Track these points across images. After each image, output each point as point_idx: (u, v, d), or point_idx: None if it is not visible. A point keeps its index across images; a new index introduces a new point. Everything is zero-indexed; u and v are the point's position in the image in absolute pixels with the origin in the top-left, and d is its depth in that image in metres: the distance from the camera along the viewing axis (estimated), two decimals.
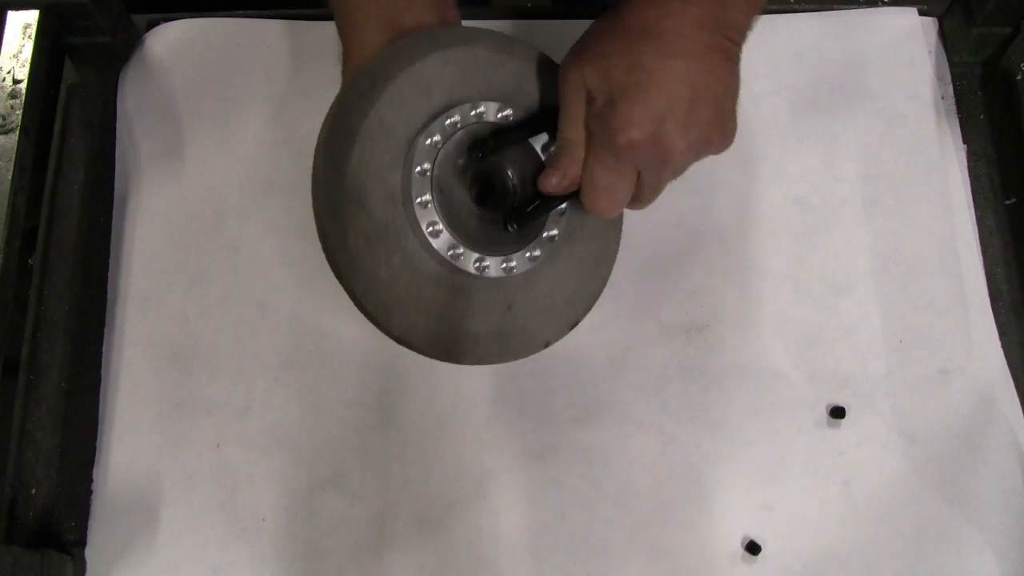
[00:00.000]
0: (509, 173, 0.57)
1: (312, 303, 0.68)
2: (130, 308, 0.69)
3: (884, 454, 0.65)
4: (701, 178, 0.72)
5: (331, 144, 0.55)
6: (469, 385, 0.66)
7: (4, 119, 0.66)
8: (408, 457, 0.65)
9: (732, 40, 0.53)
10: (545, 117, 0.58)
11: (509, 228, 0.57)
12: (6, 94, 0.67)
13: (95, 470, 0.65)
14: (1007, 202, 0.72)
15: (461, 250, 0.54)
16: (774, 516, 0.64)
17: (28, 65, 0.68)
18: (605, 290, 0.68)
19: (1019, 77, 0.73)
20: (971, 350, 0.67)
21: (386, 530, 0.63)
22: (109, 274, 0.70)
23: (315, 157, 0.56)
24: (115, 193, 0.72)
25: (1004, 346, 0.68)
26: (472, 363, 0.58)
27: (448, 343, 0.56)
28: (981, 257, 0.70)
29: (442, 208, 0.54)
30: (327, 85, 0.61)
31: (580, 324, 0.66)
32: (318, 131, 0.58)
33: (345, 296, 0.57)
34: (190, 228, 0.71)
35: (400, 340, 0.56)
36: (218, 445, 0.65)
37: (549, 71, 0.59)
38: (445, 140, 0.54)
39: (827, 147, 0.73)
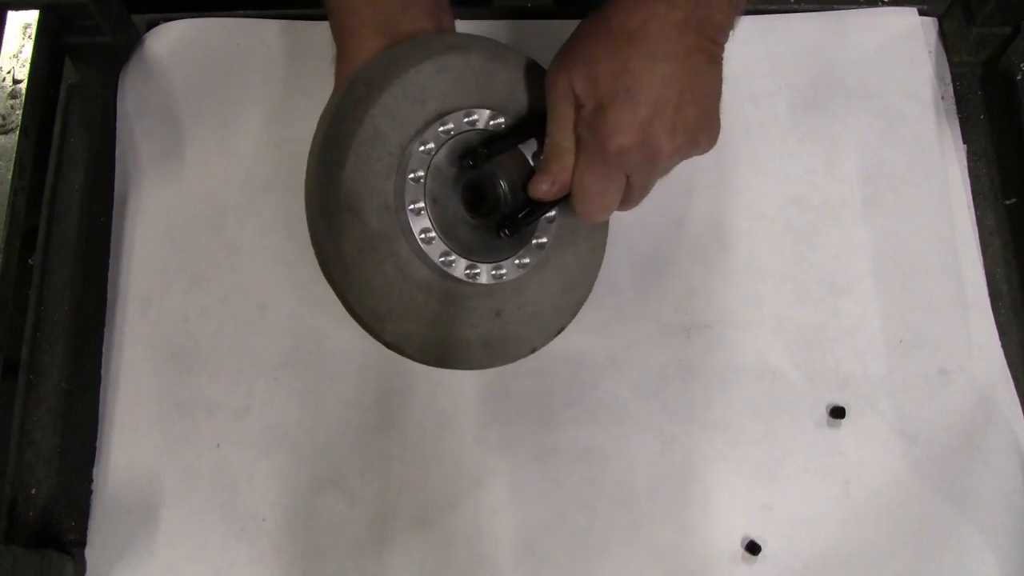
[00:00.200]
0: (500, 181, 0.57)
1: (312, 303, 0.68)
2: (130, 308, 0.69)
3: (884, 454, 0.65)
4: (701, 178, 0.72)
5: (325, 152, 0.55)
6: (469, 385, 0.66)
7: (4, 119, 0.66)
8: (408, 457, 0.65)
9: (715, 41, 0.54)
10: (534, 123, 0.58)
11: (502, 235, 0.57)
12: (6, 94, 0.67)
13: (95, 470, 0.65)
14: (1007, 202, 0.72)
15: (453, 257, 0.55)
16: (774, 516, 0.64)
17: (28, 65, 0.68)
18: (605, 290, 0.68)
19: (1019, 77, 0.73)
20: (971, 350, 0.67)
21: (386, 530, 0.63)
22: (109, 274, 0.70)
23: (308, 164, 0.56)
24: (115, 193, 0.72)
25: (1004, 346, 0.68)
26: (461, 368, 0.58)
27: (439, 350, 0.56)
28: (981, 257, 0.70)
29: (435, 215, 0.54)
30: (327, 85, 0.61)
31: (580, 324, 0.66)
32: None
33: None
34: (190, 228, 0.71)
35: (392, 347, 0.56)
36: (218, 445, 0.65)
37: (541, 79, 0.59)
38: (438, 147, 0.55)
39: (827, 147, 0.73)
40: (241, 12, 0.77)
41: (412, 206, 0.54)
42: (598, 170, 0.55)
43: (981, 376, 0.67)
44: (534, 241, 0.57)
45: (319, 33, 0.75)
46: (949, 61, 0.76)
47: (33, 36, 0.69)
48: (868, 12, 0.77)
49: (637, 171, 0.55)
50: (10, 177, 0.64)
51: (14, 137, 0.65)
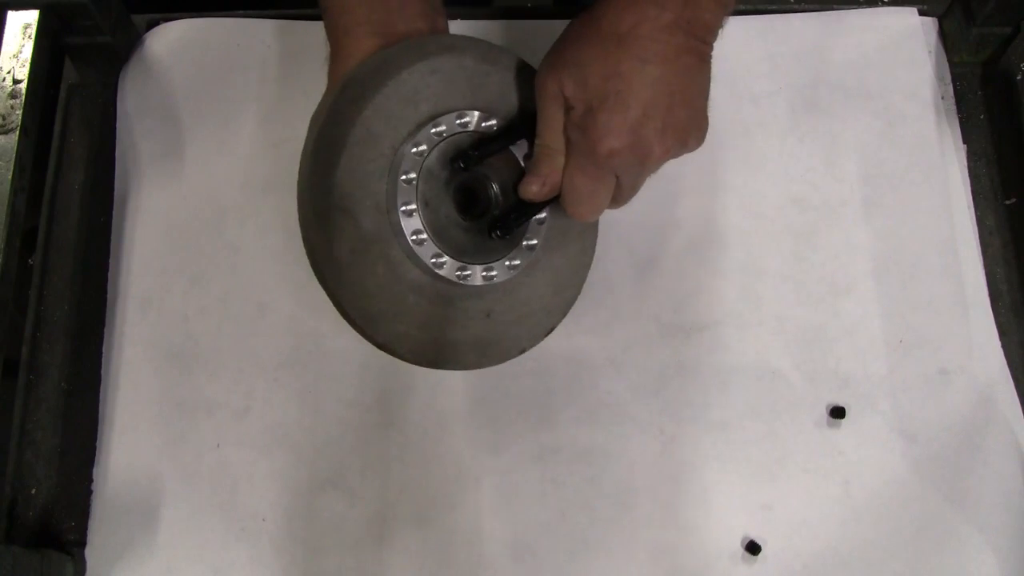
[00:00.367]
0: (491, 183, 0.58)
1: (312, 303, 0.68)
2: (130, 308, 0.69)
3: (884, 454, 0.65)
4: (701, 178, 0.72)
5: (318, 152, 0.55)
6: (469, 386, 0.66)
7: (4, 119, 0.66)
8: (408, 457, 0.65)
9: (704, 41, 0.54)
10: (524, 125, 0.58)
11: (493, 236, 0.57)
12: (6, 94, 0.67)
13: (95, 470, 0.65)
14: (1007, 202, 0.72)
15: (444, 258, 0.55)
16: (774, 516, 0.64)
17: (28, 65, 0.68)
18: (605, 290, 0.68)
19: (1019, 77, 0.73)
20: (971, 350, 0.67)
21: (386, 530, 0.63)
22: (109, 274, 0.70)
23: (301, 165, 0.57)
24: (115, 193, 0.72)
25: (1004, 346, 0.68)
26: (452, 369, 0.59)
27: (431, 350, 0.57)
28: (981, 257, 0.70)
29: (426, 217, 0.54)
30: (327, 85, 0.61)
31: (580, 324, 0.66)
32: None
33: None
34: (190, 228, 0.71)
35: (384, 348, 0.56)
36: (218, 445, 0.65)
37: (533, 81, 0.59)
38: (431, 149, 0.55)
39: (827, 147, 0.73)
40: (241, 12, 0.77)
41: (404, 207, 0.54)
42: (588, 172, 0.55)
43: (981, 376, 0.67)
44: (525, 243, 0.57)
45: (319, 33, 0.74)
46: (949, 61, 0.76)
47: (33, 36, 0.69)
48: (868, 12, 0.77)
49: (627, 172, 0.56)
50: (10, 177, 0.64)
51: (14, 137, 0.65)
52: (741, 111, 0.74)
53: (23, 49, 0.69)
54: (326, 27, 0.61)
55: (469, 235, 0.56)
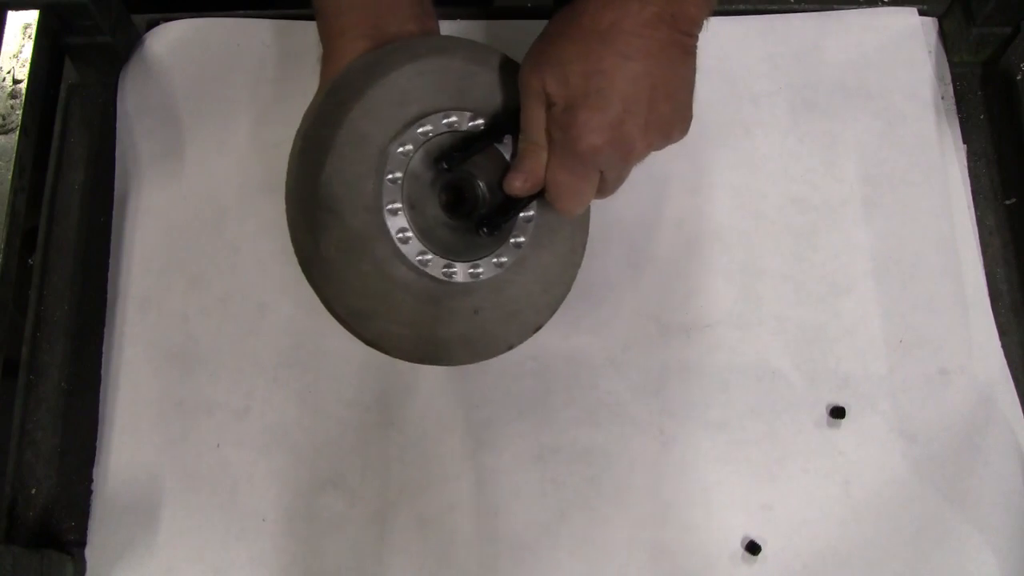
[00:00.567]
0: (478, 181, 0.58)
1: (312, 303, 0.67)
2: (130, 308, 0.69)
3: (884, 454, 0.65)
4: (701, 178, 0.72)
5: (306, 154, 0.56)
6: (469, 385, 0.66)
7: (4, 119, 0.66)
8: (408, 457, 0.65)
9: (689, 34, 0.54)
10: (509, 122, 0.58)
11: (481, 233, 0.57)
12: (6, 94, 0.67)
13: (95, 470, 0.65)
14: (1007, 202, 0.72)
15: (430, 256, 0.55)
16: (774, 516, 0.64)
17: (28, 65, 0.68)
18: (605, 290, 0.68)
19: (1019, 77, 0.73)
20: (971, 350, 0.67)
21: (386, 530, 0.63)
22: (109, 274, 0.70)
23: (289, 164, 0.57)
24: (115, 193, 0.72)
25: (1004, 346, 0.68)
26: (440, 364, 0.59)
27: (419, 347, 0.57)
28: (981, 257, 0.70)
29: (411, 215, 0.55)
30: (319, 87, 0.61)
31: (580, 324, 0.66)
32: None
33: None
34: (190, 228, 0.71)
35: (372, 344, 0.57)
36: (218, 445, 0.65)
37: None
38: (417, 148, 0.55)
39: (827, 147, 0.73)
40: (241, 12, 0.77)
41: (390, 206, 0.55)
42: (570, 168, 0.55)
43: (981, 376, 0.67)
44: (512, 240, 0.58)
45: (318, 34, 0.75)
46: (949, 61, 0.76)
47: (33, 36, 0.69)
48: (868, 12, 0.77)
49: (610, 167, 0.56)
50: (10, 177, 0.64)
51: (14, 137, 0.65)
52: (741, 111, 0.74)
53: (23, 49, 0.69)
54: (319, 30, 0.61)
55: (456, 233, 0.57)
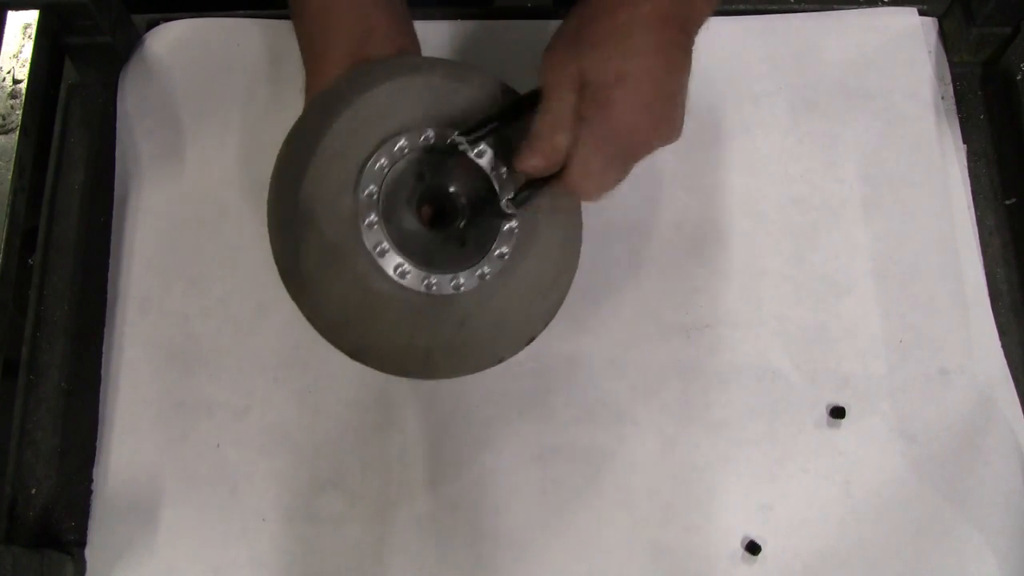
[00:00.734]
0: (456, 193, 0.58)
1: None
2: (130, 308, 0.69)
3: (884, 454, 0.65)
4: (701, 178, 0.72)
5: (285, 171, 0.57)
6: (469, 385, 0.66)
7: (4, 119, 0.66)
8: (408, 457, 0.65)
9: (691, 35, 0.56)
10: (520, 103, 0.58)
11: (506, 209, 0.57)
12: (6, 94, 0.67)
13: (95, 470, 0.65)
14: (1007, 202, 0.72)
15: (409, 269, 0.56)
16: (774, 516, 0.64)
17: (28, 65, 0.68)
18: (605, 290, 0.68)
19: (1019, 77, 0.73)
20: (971, 350, 0.67)
21: (386, 530, 0.63)
22: (109, 274, 0.70)
23: (271, 182, 0.58)
24: (115, 193, 0.72)
25: (1004, 346, 0.68)
26: (425, 378, 0.59)
27: (399, 359, 0.57)
28: (981, 257, 0.70)
29: (389, 229, 0.56)
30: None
31: (580, 324, 0.66)
32: None
33: None
34: (190, 228, 0.71)
35: (355, 357, 0.57)
36: (218, 445, 0.65)
37: (503, 96, 0.60)
38: (392, 164, 0.56)
39: (827, 147, 0.73)
40: (241, 12, 0.77)
41: (367, 221, 0.55)
42: (603, 148, 0.55)
43: (981, 376, 0.67)
44: (495, 251, 0.58)
45: None
46: (949, 61, 0.76)
47: (33, 36, 0.69)
48: (868, 12, 0.77)
49: (630, 151, 0.56)
50: (10, 177, 0.64)
51: (14, 137, 0.65)
52: (741, 111, 0.74)
53: (23, 49, 0.69)
54: (301, 52, 0.62)
55: (435, 245, 0.57)
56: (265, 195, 0.70)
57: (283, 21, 0.76)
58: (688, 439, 0.65)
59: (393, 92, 0.57)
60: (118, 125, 0.74)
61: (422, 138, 0.57)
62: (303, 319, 0.67)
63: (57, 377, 0.67)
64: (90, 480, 0.65)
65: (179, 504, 0.64)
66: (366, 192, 0.55)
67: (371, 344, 0.57)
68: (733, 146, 0.73)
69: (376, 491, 0.64)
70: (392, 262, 0.55)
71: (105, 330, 0.68)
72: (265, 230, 0.70)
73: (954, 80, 0.76)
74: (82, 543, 0.63)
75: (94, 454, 0.65)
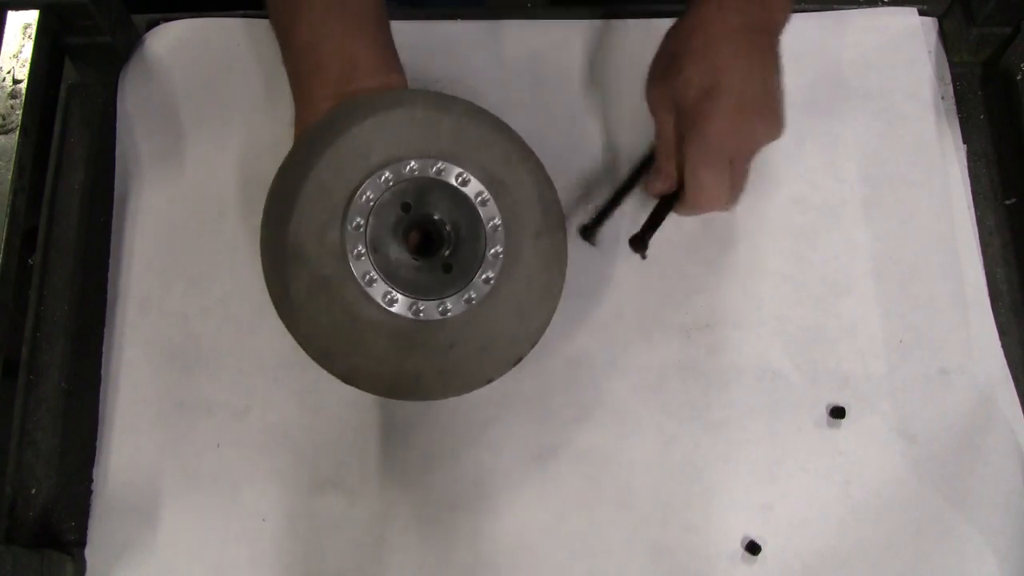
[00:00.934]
0: (441, 221, 0.60)
1: None
2: (130, 308, 0.69)
3: (884, 454, 0.65)
4: None
5: (274, 207, 0.59)
6: None
7: (4, 119, 0.66)
8: (408, 457, 0.65)
9: (775, 36, 0.62)
10: (637, 173, 0.68)
11: (634, 248, 0.66)
12: (6, 94, 0.67)
13: (95, 470, 0.65)
14: (1007, 202, 0.72)
15: (397, 297, 0.57)
16: (774, 516, 0.64)
17: (28, 65, 0.68)
18: (605, 290, 0.68)
19: (1019, 77, 0.73)
20: (971, 350, 0.67)
21: (386, 530, 0.63)
22: (109, 274, 0.70)
23: (262, 218, 0.60)
24: (115, 193, 0.72)
25: (1004, 346, 0.68)
26: (416, 399, 0.61)
27: (390, 383, 0.59)
28: (981, 257, 0.70)
29: (377, 258, 0.57)
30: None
31: (580, 324, 0.66)
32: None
33: None
34: (190, 228, 0.71)
35: (347, 381, 0.59)
36: (218, 445, 0.65)
37: (486, 123, 0.61)
38: (378, 196, 0.58)
39: (827, 147, 0.73)
40: (241, 12, 0.77)
41: (354, 252, 0.57)
42: (705, 159, 0.60)
43: (981, 376, 0.67)
44: (479, 276, 0.59)
45: None
46: (949, 61, 0.76)
47: (33, 36, 0.69)
48: (868, 12, 0.77)
49: (738, 154, 0.61)
50: (10, 177, 0.64)
51: (14, 137, 0.65)
52: None
53: (23, 49, 0.69)
54: (292, 91, 0.63)
55: (422, 273, 0.59)
56: (264, 195, 0.71)
57: None
58: (688, 439, 0.65)
59: (376, 126, 0.59)
60: (118, 125, 0.74)
61: (406, 169, 0.59)
62: None
63: (57, 377, 0.67)
64: (90, 480, 0.65)
65: (179, 504, 0.64)
66: (353, 224, 0.57)
67: (362, 370, 0.58)
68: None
69: (376, 491, 0.64)
70: (380, 290, 0.57)
71: (105, 330, 0.68)
72: None
73: (954, 80, 0.76)
74: (82, 543, 0.63)
75: (94, 454, 0.65)
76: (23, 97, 0.67)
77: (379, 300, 0.57)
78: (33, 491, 0.65)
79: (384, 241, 0.58)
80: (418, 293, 0.58)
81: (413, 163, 0.59)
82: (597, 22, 0.77)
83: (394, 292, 0.57)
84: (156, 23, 0.77)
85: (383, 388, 0.59)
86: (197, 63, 0.75)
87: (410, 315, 0.57)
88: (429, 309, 0.58)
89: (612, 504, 0.64)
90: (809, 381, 0.67)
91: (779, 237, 0.71)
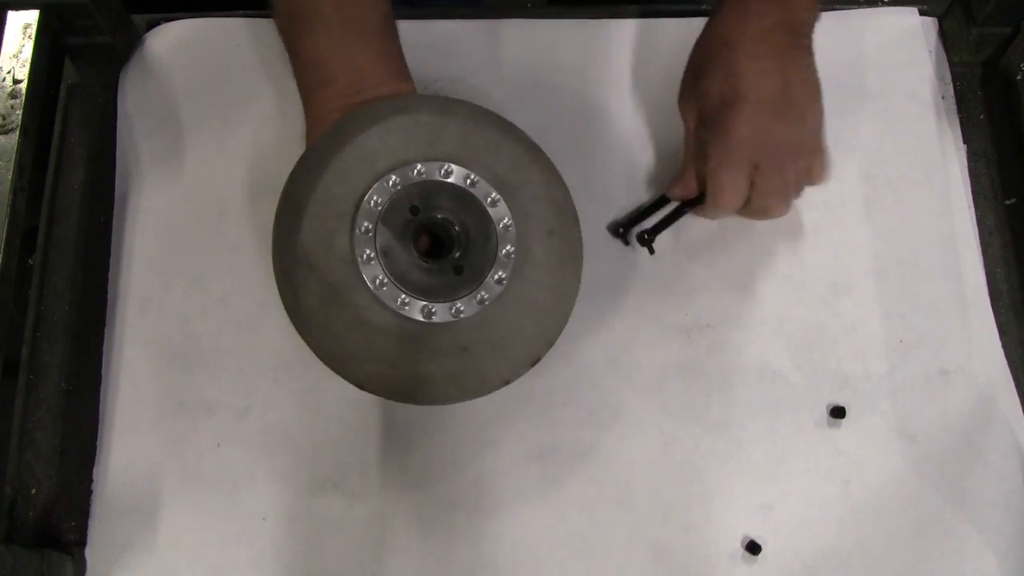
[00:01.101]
0: (452, 223, 0.60)
1: None
2: (130, 308, 0.69)
3: (884, 454, 0.65)
4: None
5: (284, 216, 0.60)
6: None
7: (4, 119, 0.66)
8: (408, 457, 0.65)
9: (804, 35, 0.62)
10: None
11: (638, 243, 0.69)
12: (6, 94, 0.67)
13: (95, 470, 0.65)
14: (1007, 202, 0.72)
15: (408, 300, 0.57)
16: (774, 516, 0.64)
17: (28, 65, 0.68)
18: (605, 290, 0.68)
19: (1019, 77, 0.73)
20: (971, 350, 0.67)
21: (386, 530, 0.63)
22: (109, 274, 0.70)
23: (273, 228, 0.60)
24: (115, 193, 0.72)
25: (1004, 346, 0.68)
26: (430, 403, 0.60)
27: (404, 387, 0.59)
28: (981, 257, 0.70)
29: (386, 262, 0.58)
30: None
31: (580, 324, 0.66)
32: None
33: None
34: (190, 228, 0.71)
35: (361, 387, 0.59)
36: (218, 445, 0.65)
37: (493, 124, 0.62)
38: (386, 200, 0.58)
39: (827, 147, 0.73)
40: (241, 12, 0.77)
41: (364, 257, 0.57)
42: (725, 162, 0.62)
43: (981, 376, 0.67)
44: (492, 277, 0.59)
45: None
46: (949, 61, 0.76)
47: (33, 36, 0.69)
48: (868, 12, 0.77)
49: (763, 159, 0.61)
50: (10, 177, 0.64)
51: (14, 137, 0.65)
52: None
53: (23, 49, 0.69)
54: (302, 102, 0.64)
55: (433, 276, 0.59)
56: (266, 195, 0.71)
57: None
58: (688, 439, 0.65)
59: (382, 133, 0.59)
60: (118, 125, 0.74)
61: (413, 173, 0.59)
62: None
63: (57, 377, 0.67)
64: (90, 480, 0.65)
65: (179, 504, 0.64)
66: (362, 229, 0.57)
67: (375, 375, 0.58)
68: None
69: (376, 491, 0.64)
70: (391, 294, 0.57)
71: (105, 330, 0.68)
72: (265, 229, 0.70)
73: (954, 80, 0.76)
74: (82, 543, 0.63)
75: (94, 454, 0.65)
76: (23, 97, 0.67)
77: (390, 304, 0.57)
78: (33, 491, 0.65)
79: (394, 245, 0.58)
80: (429, 296, 0.58)
81: (420, 166, 0.59)
82: (596, 22, 0.77)
83: (405, 296, 0.57)
84: (156, 23, 0.77)
85: (398, 393, 0.59)
86: (197, 63, 0.75)
87: (422, 318, 0.57)
88: (441, 311, 0.58)
89: (612, 504, 0.64)
90: (809, 381, 0.67)
91: (779, 237, 0.70)
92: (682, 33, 0.71)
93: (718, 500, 0.64)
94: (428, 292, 0.58)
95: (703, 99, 0.63)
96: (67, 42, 0.73)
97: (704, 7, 0.79)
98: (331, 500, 0.64)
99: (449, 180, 0.59)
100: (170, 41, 0.76)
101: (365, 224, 0.57)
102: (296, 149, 0.62)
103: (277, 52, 0.75)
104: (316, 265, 0.57)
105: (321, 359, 0.59)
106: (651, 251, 0.69)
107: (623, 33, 0.76)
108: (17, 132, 0.65)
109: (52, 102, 0.74)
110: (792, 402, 0.66)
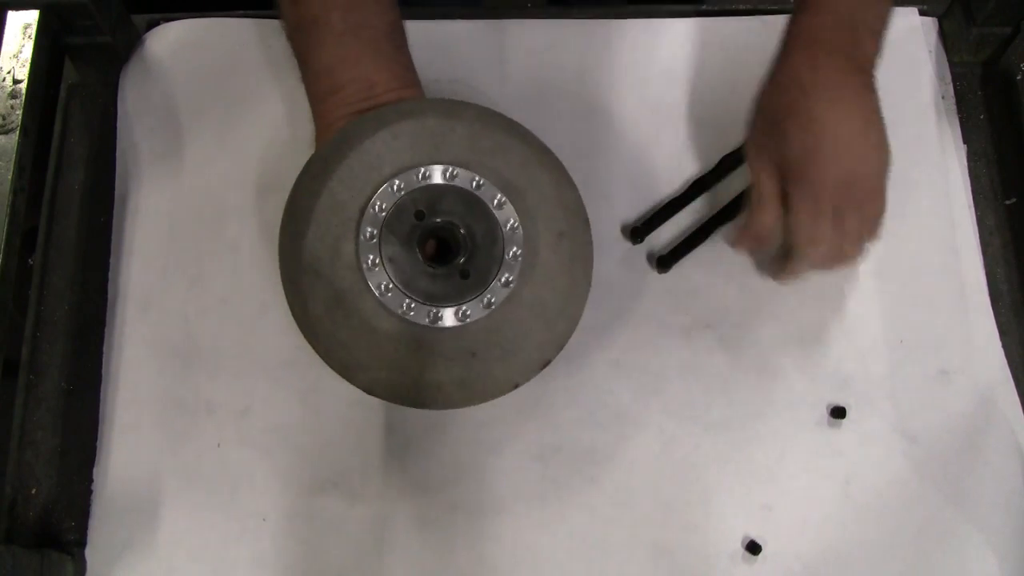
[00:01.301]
0: (458, 228, 0.60)
1: None
2: (130, 308, 0.69)
3: (884, 454, 0.65)
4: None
5: (290, 223, 0.60)
6: None
7: (4, 119, 0.66)
8: (408, 457, 0.65)
9: (870, 72, 0.61)
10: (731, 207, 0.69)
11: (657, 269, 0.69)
12: (6, 94, 0.67)
13: (95, 470, 0.65)
14: (1007, 202, 0.72)
15: (414, 305, 0.58)
16: (774, 516, 0.64)
17: (28, 65, 0.68)
18: (606, 290, 0.68)
19: (1019, 77, 0.73)
20: (971, 350, 0.67)
21: (386, 530, 0.63)
22: (109, 274, 0.70)
23: (279, 236, 0.60)
24: (115, 193, 0.72)
25: (1004, 346, 0.68)
26: (439, 408, 0.60)
27: (412, 393, 0.59)
28: (981, 257, 0.70)
29: (392, 268, 0.58)
30: None
31: (580, 324, 0.66)
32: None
33: None
34: (190, 228, 0.71)
35: (370, 393, 0.59)
36: (218, 445, 0.65)
37: (500, 127, 0.61)
38: (391, 205, 0.58)
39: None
40: (241, 12, 0.77)
41: (369, 263, 0.57)
42: (815, 211, 0.60)
43: (981, 376, 0.67)
44: (499, 280, 0.58)
45: None
46: (949, 61, 0.76)
47: (33, 36, 0.69)
48: None
49: (849, 205, 0.60)
50: (10, 177, 0.64)
51: (14, 137, 0.65)
52: (743, 111, 0.73)
53: (23, 49, 0.69)
54: (311, 110, 0.64)
55: (439, 280, 0.59)
56: (266, 195, 0.71)
57: None
58: (688, 439, 0.65)
59: (388, 138, 0.59)
60: (118, 125, 0.74)
61: (418, 177, 0.59)
62: None
63: (57, 377, 0.67)
64: (90, 480, 0.65)
65: (179, 504, 0.64)
66: (366, 235, 0.58)
67: (383, 382, 0.58)
68: (734, 146, 0.73)
69: (376, 491, 0.64)
70: (397, 300, 0.57)
71: (105, 330, 0.68)
72: (265, 229, 0.70)
73: (954, 80, 0.76)
74: (82, 543, 0.63)
75: (94, 454, 0.65)
76: (23, 97, 0.67)
77: (396, 310, 0.57)
78: (33, 491, 0.65)
79: (399, 251, 0.58)
80: (436, 301, 0.58)
81: (424, 171, 0.59)
82: (596, 22, 0.77)
83: (411, 301, 0.57)
84: (156, 23, 0.77)
85: (406, 399, 0.59)
86: (197, 63, 0.75)
87: (428, 323, 0.57)
88: (448, 316, 0.58)
89: (612, 504, 0.64)
90: (809, 381, 0.67)
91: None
92: (682, 33, 0.71)
93: (718, 500, 0.64)
94: (435, 297, 0.58)
95: (783, 150, 0.61)
96: (67, 42, 0.73)
97: (704, 7, 0.79)
98: (331, 500, 0.64)
99: (454, 184, 0.59)
100: (170, 41, 0.76)
101: (370, 230, 0.58)
102: (297, 149, 0.62)
103: (277, 52, 0.75)
104: (322, 272, 0.57)
105: (329, 366, 0.59)
106: (666, 271, 0.69)
107: (624, 33, 0.76)
108: (17, 132, 0.65)
109: (52, 102, 0.74)
110: (792, 402, 0.66)
